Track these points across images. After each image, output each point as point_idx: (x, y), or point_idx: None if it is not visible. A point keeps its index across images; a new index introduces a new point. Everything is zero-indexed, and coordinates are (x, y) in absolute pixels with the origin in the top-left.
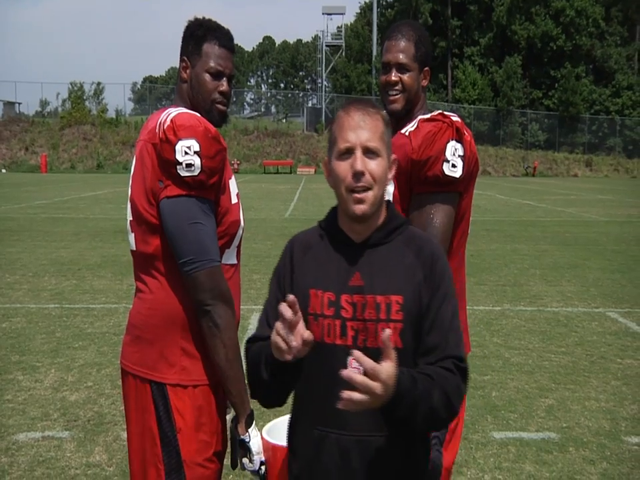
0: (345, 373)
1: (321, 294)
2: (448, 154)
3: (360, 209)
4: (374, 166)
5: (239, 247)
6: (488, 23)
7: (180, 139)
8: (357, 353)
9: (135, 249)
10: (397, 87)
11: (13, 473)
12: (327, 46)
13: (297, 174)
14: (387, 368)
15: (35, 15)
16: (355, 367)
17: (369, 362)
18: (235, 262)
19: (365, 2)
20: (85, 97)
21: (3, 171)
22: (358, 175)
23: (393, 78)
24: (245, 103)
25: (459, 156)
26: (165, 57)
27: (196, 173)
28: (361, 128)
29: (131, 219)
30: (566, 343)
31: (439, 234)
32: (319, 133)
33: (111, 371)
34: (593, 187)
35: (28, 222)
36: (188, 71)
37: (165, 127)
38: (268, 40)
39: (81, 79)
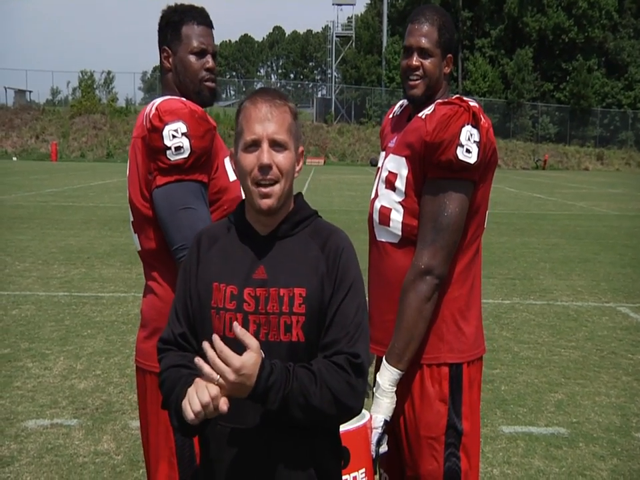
0: (204, 343)
1: (223, 287)
2: (462, 138)
3: (266, 203)
4: (281, 159)
5: None
6: (499, 15)
7: (166, 124)
8: (214, 340)
9: (140, 248)
10: (417, 72)
11: (21, 460)
12: (337, 37)
13: (306, 164)
14: (245, 357)
15: (46, 3)
16: None
17: (221, 346)
18: None
19: None
20: (95, 86)
21: (14, 159)
22: (265, 169)
23: (414, 62)
24: None
25: (474, 142)
26: None
27: (186, 155)
28: (268, 120)
29: (132, 219)
30: (576, 337)
31: (451, 223)
32: (329, 123)
33: (119, 360)
34: (604, 181)
35: (38, 210)
36: (171, 59)
37: (151, 116)
38: (278, 30)
39: (91, 68)
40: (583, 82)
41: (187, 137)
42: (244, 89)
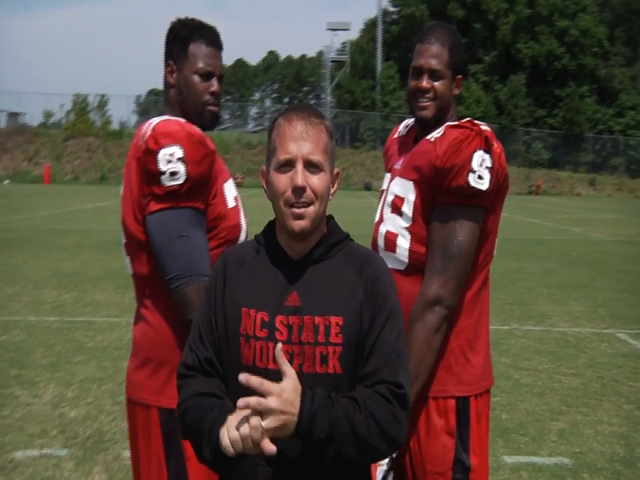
0: (242, 375)
1: (253, 314)
2: (474, 164)
3: (299, 225)
4: (316, 181)
5: None
6: (492, 41)
7: (162, 147)
8: (244, 376)
9: (132, 272)
10: (428, 95)
11: None
12: (331, 61)
13: None
14: (284, 383)
15: (39, 25)
16: None
17: (258, 379)
18: None
19: (370, 18)
20: (88, 109)
21: (6, 182)
22: (298, 191)
23: (425, 85)
24: (248, 117)
25: (487, 167)
26: None
27: (181, 181)
28: (303, 139)
29: (125, 241)
30: (576, 364)
31: (462, 251)
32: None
33: (111, 387)
34: (597, 206)
35: (30, 233)
36: (175, 75)
37: (147, 137)
38: (272, 55)
39: (85, 91)
40: (575, 108)
41: (182, 162)
42: (238, 113)
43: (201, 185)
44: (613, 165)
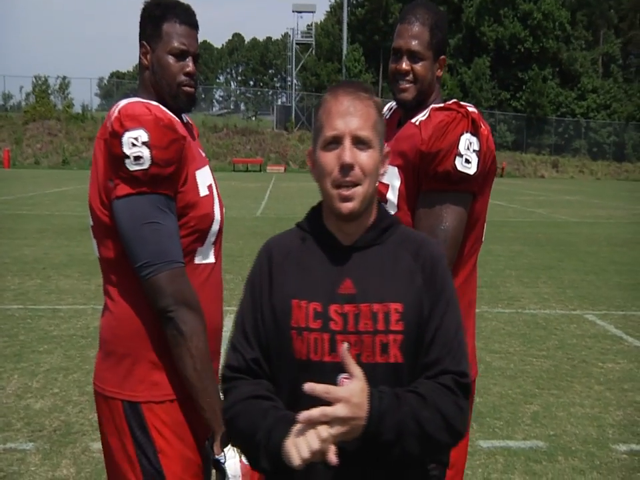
0: (307, 385)
1: (305, 304)
2: (461, 147)
3: (347, 207)
4: (364, 158)
5: (216, 243)
6: (457, 24)
7: (127, 130)
8: (309, 386)
9: (98, 255)
10: (407, 77)
11: None
12: (296, 44)
13: (267, 172)
14: (351, 385)
15: None
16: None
17: (323, 388)
18: (213, 260)
19: (336, 0)
20: (49, 91)
21: None
22: (346, 168)
23: (404, 67)
24: (214, 100)
25: (474, 151)
26: (133, 52)
27: (146, 166)
28: (351, 114)
29: (92, 224)
30: (546, 346)
31: (448, 239)
32: (289, 131)
33: (78, 377)
34: (560, 188)
35: None
36: (148, 56)
37: (113, 119)
38: (237, 37)
39: (45, 73)
40: (539, 91)
41: (147, 146)
42: (203, 96)
43: (168, 171)
44: (575, 147)
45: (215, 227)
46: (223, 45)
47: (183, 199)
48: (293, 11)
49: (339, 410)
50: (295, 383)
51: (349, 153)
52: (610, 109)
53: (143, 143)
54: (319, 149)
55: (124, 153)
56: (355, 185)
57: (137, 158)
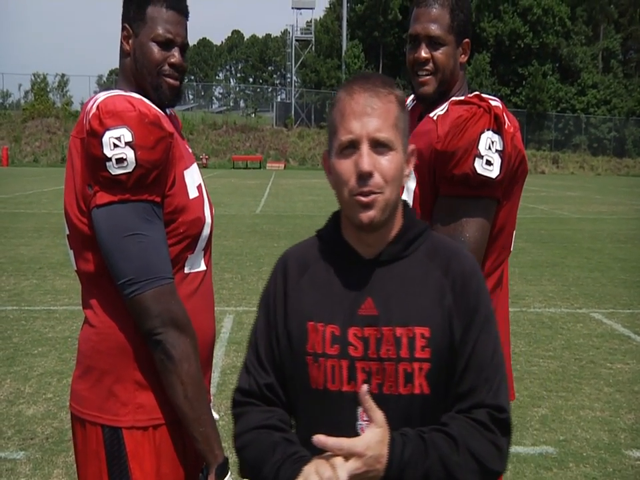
0: (317, 438)
1: (322, 328)
2: (481, 147)
3: (368, 216)
4: (385, 163)
5: (206, 249)
6: None
7: (107, 129)
8: (319, 439)
9: (76, 268)
10: (427, 67)
11: None
12: (296, 40)
13: (267, 169)
14: (369, 436)
15: None
16: (367, 420)
17: (336, 444)
18: (203, 268)
19: None
20: (48, 89)
21: None
22: (364, 177)
23: (423, 55)
24: (213, 97)
25: (496, 151)
26: None
27: (130, 169)
28: (368, 115)
29: (68, 232)
30: (553, 346)
31: (470, 250)
32: (289, 128)
33: None
34: (561, 184)
35: None
36: (130, 41)
37: (90, 116)
38: (237, 34)
39: (44, 71)
40: (539, 87)
41: (131, 147)
42: (202, 93)
43: (154, 174)
44: (575, 143)
45: (206, 231)
46: (222, 41)
47: (171, 203)
48: (292, 8)
49: (352, 465)
50: (311, 413)
51: (367, 159)
52: (610, 105)
53: (126, 144)
54: (334, 154)
55: (104, 154)
56: (375, 192)
57: (120, 160)
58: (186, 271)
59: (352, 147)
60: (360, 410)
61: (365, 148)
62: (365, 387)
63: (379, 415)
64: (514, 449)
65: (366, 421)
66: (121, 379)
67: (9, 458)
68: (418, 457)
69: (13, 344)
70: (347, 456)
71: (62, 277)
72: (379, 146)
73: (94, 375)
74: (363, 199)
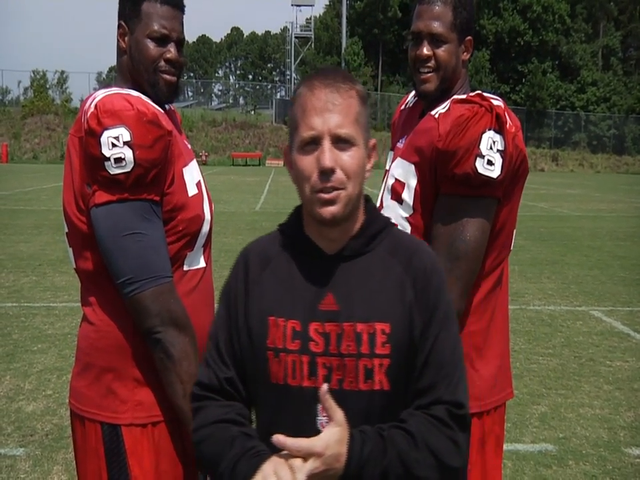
0: (276, 438)
1: (282, 323)
2: (483, 147)
3: (329, 211)
4: (347, 159)
5: (206, 246)
6: None
7: (105, 128)
8: (277, 438)
9: (75, 266)
10: (429, 64)
11: None
12: (295, 38)
13: (266, 166)
14: (327, 435)
15: None
16: (326, 415)
17: (294, 445)
18: (203, 265)
19: None
20: (48, 86)
21: None
22: (326, 173)
23: (425, 52)
24: (213, 94)
25: (498, 150)
26: None
27: (129, 169)
28: (329, 111)
29: (67, 230)
30: (552, 344)
31: (469, 251)
32: (288, 125)
33: None
34: (561, 182)
35: None
36: (126, 39)
37: (89, 115)
38: (236, 31)
39: (43, 67)
40: (538, 84)
41: (129, 146)
42: (202, 90)
43: (153, 173)
44: (575, 140)
45: (205, 228)
46: (221, 38)
47: (170, 201)
48: (292, 5)
49: (310, 465)
50: (271, 408)
51: (328, 155)
52: (610, 102)
53: (125, 143)
54: (295, 150)
55: (103, 154)
56: (338, 188)
57: (118, 160)
58: (185, 268)
59: (313, 143)
60: (319, 406)
61: (326, 144)
62: (325, 386)
63: (338, 413)
64: (513, 446)
65: (325, 416)
66: (120, 376)
67: (9, 454)
68: (377, 454)
69: (13, 340)
70: (306, 456)
71: (61, 274)
72: (341, 142)
73: (93, 372)
74: (324, 195)
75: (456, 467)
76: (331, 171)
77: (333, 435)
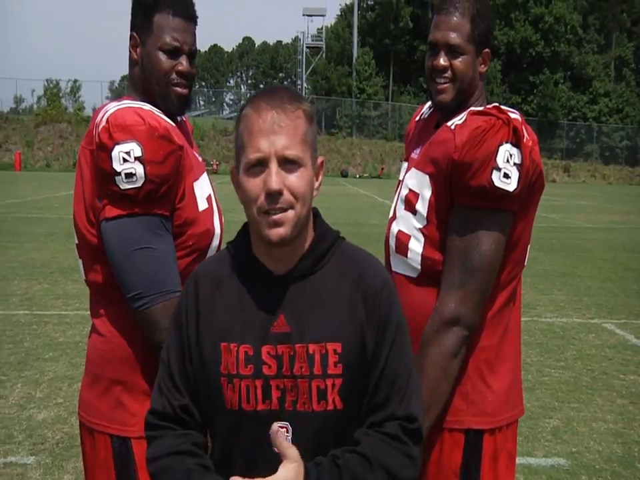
0: None
1: (235, 348)
2: (499, 160)
3: (277, 232)
4: (295, 180)
5: None
6: None
7: (117, 143)
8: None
9: (85, 278)
10: (445, 74)
11: None
12: (307, 47)
13: None
14: (283, 473)
15: (11, 10)
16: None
17: None
18: None
19: (346, 4)
20: (61, 94)
21: None
22: (273, 196)
23: (442, 63)
24: (224, 104)
25: (515, 164)
26: None
27: (139, 184)
28: (276, 133)
29: (77, 242)
30: (565, 356)
31: (484, 264)
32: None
33: None
34: (573, 193)
35: None
36: (138, 50)
37: (100, 129)
38: (248, 41)
39: (57, 76)
40: (550, 95)
41: (141, 162)
42: (213, 99)
43: (164, 188)
44: (587, 151)
45: (215, 242)
46: (233, 48)
47: (181, 215)
48: (304, 15)
49: None
50: (227, 433)
51: (275, 178)
52: (622, 113)
53: (136, 158)
54: (242, 171)
55: (114, 169)
56: (286, 209)
57: (129, 175)
58: None
59: (260, 165)
60: (275, 427)
61: (273, 167)
62: (275, 426)
63: (292, 450)
64: (525, 460)
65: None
66: (130, 388)
67: (20, 463)
68: None
69: (25, 348)
70: None
71: (73, 282)
72: (288, 163)
73: (102, 384)
74: (272, 217)
75: (411, 478)
76: (278, 193)
77: (289, 473)
